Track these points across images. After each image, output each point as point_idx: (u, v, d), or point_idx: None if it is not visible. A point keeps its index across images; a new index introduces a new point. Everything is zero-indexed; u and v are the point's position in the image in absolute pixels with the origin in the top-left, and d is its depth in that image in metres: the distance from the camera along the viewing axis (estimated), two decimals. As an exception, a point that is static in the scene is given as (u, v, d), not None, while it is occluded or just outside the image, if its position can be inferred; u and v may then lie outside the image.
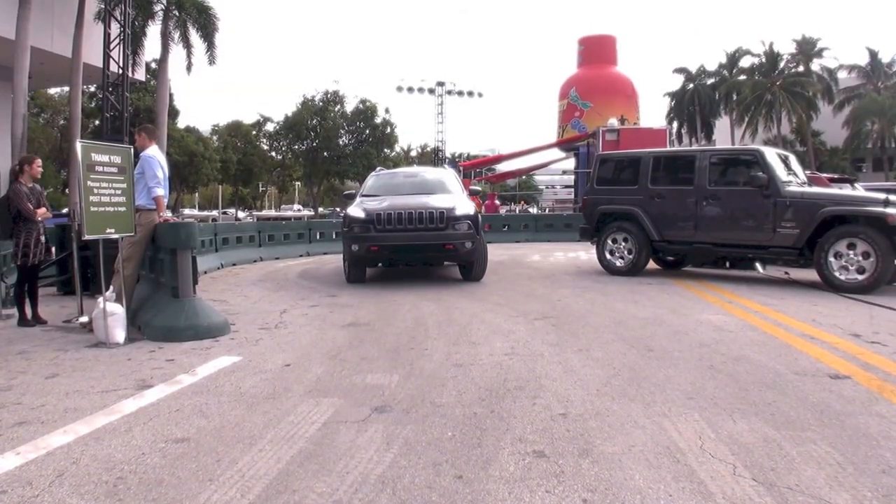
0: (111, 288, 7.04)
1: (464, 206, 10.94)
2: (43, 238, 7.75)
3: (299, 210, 77.16)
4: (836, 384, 4.71)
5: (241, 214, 66.22)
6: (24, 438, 3.74)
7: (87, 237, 6.58)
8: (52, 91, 47.86)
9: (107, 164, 6.66)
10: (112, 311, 6.46)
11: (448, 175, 13.70)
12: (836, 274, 9.42)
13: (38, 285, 8.10)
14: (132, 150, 7.25)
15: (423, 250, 10.60)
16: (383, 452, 3.49)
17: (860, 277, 9.23)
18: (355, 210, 11.04)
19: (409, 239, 10.39)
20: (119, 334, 6.47)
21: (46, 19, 23.74)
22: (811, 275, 10.26)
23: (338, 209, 65.12)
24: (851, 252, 9.32)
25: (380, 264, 11.87)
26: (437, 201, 10.96)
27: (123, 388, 4.82)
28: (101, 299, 6.54)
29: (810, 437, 3.66)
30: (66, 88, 30.91)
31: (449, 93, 56.90)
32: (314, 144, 60.51)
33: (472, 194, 12.97)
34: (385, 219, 10.38)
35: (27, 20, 21.18)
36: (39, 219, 7.61)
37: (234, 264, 15.21)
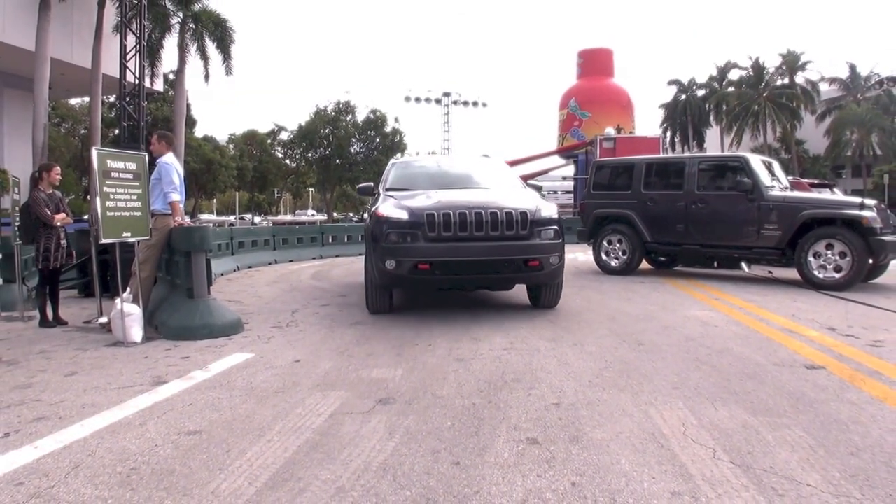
0: (129, 289, 7.08)
1: (547, 205, 7.62)
2: (64, 243, 7.73)
3: (313, 215, 76.89)
4: (811, 374, 4.76)
5: (256, 219, 66.22)
6: (43, 433, 3.76)
7: (103, 241, 6.60)
8: (73, 101, 48.00)
9: (122, 171, 6.67)
10: (129, 312, 6.48)
11: (498, 165, 10.03)
12: (815, 272, 9.55)
13: (60, 288, 8.11)
14: (147, 156, 7.25)
15: (497, 268, 7.09)
16: (385, 441, 3.51)
17: (837, 276, 9.36)
18: (391, 209, 7.29)
19: (479, 252, 6.96)
20: (136, 334, 6.48)
21: (66, 31, 23.85)
22: (792, 273, 10.33)
23: (351, 214, 64.57)
24: (829, 252, 9.45)
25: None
26: (507, 198, 7.49)
27: (139, 384, 4.84)
28: (118, 300, 6.57)
29: (786, 422, 3.70)
30: (87, 98, 31.00)
31: (455, 103, 56.92)
32: (327, 152, 60.57)
33: (532, 190, 8.92)
34: (441, 222, 6.93)
35: (47, 32, 21.24)
36: (58, 224, 7.60)
37: (249, 267, 15.22)
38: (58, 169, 7.90)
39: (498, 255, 7.01)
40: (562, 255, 7.34)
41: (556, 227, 7.31)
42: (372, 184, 9.22)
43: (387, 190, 8.34)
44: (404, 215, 7.09)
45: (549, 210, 7.46)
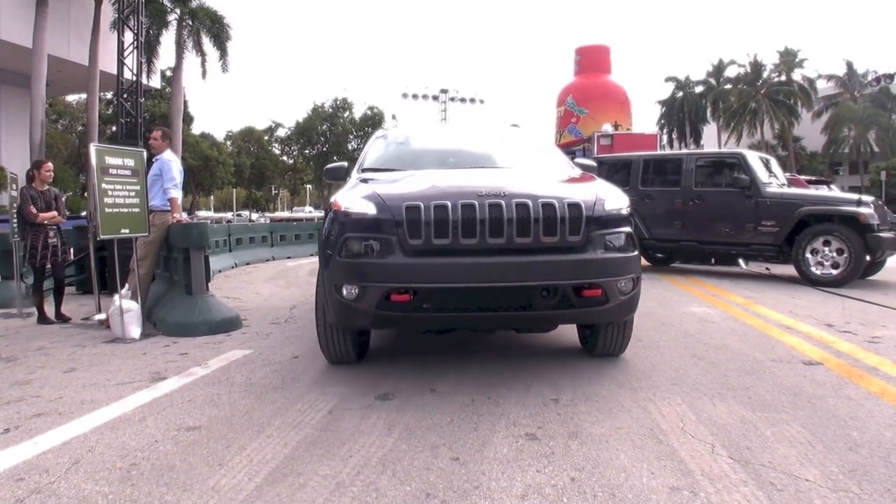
0: (127, 286, 7.07)
1: (612, 193, 4.71)
2: (54, 241, 7.69)
3: (310, 212, 76.82)
4: (809, 370, 4.78)
5: (254, 216, 66.23)
6: (42, 429, 3.75)
7: (102, 237, 6.60)
8: (71, 98, 47.94)
9: (120, 167, 6.65)
10: (128, 308, 6.48)
11: (533, 138, 7.03)
12: (813, 269, 9.60)
13: (61, 285, 8.08)
14: (145, 153, 7.23)
15: (528, 301, 4.28)
16: (385, 437, 3.51)
17: (834, 272, 9.42)
18: (352, 198, 4.59)
19: (495, 273, 4.19)
20: (135, 330, 6.49)
21: (63, 28, 23.80)
22: (790, 270, 10.37)
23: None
24: (826, 249, 9.51)
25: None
26: (544, 183, 4.86)
27: (138, 380, 4.84)
28: (117, 297, 6.56)
29: (784, 418, 3.71)
30: (84, 95, 30.96)
31: (452, 99, 56.75)
32: (324, 149, 60.82)
33: (585, 172, 5.69)
34: (432, 220, 4.22)
35: (44, 29, 21.19)
36: (45, 221, 7.55)
37: (247, 263, 15.22)
38: (49, 166, 7.90)
39: (529, 278, 4.19)
40: (638, 278, 4.52)
41: (628, 229, 4.54)
42: (345, 164, 6.15)
43: (363, 171, 5.63)
44: (370, 209, 4.38)
45: (617, 201, 4.60)
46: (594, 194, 4.54)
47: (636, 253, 4.58)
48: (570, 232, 4.26)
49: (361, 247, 4.30)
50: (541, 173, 5.40)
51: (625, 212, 4.62)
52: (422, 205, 4.24)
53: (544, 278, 4.21)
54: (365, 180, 5.06)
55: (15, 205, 8.42)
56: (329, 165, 6.08)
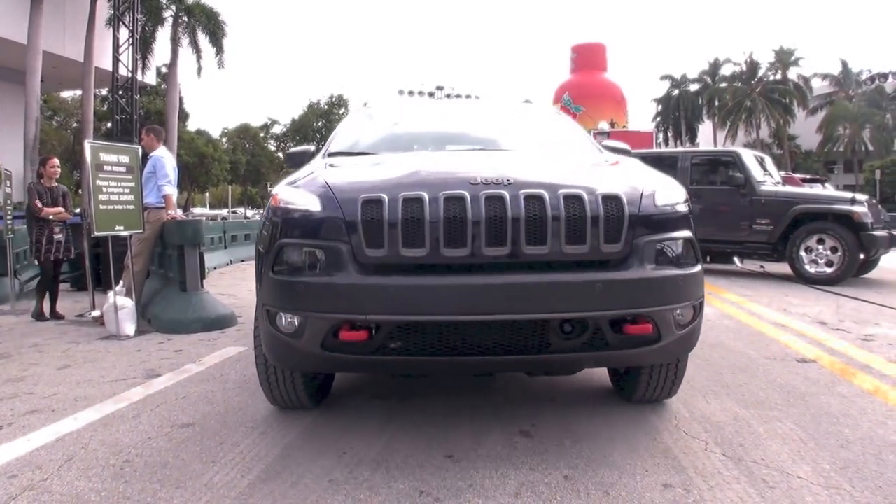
0: (121, 283, 7.06)
1: (663, 184, 3.31)
2: (60, 237, 7.64)
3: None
4: (802, 367, 4.81)
5: (249, 213, 66.16)
6: (35, 426, 3.74)
7: (96, 234, 6.58)
8: (66, 94, 47.78)
9: (115, 164, 6.64)
10: (122, 305, 6.46)
11: (550, 115, 5.64)
12: (807, 267, 9.66)
13: (55, 282, 8.06)
14: (140, 150, 7.22)
15: (543, 339, 2.98)
16: (379, 434, 3.50)
17: (828, 270, 9.49)
18: (296, 192, 3.32)
19: (494, 300, 2.86)
20: (129, 327, 6.47)
21: (58, 24, 23.71)
22: (784, 268, 10.41)
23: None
24: (821, 247, 9.57)
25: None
26: (566, 169, 3.54)
27: (132, 377, 4.83)
28: (111, 294, 6.55)
29: (776, 415, 3.73)
30: (79, 92, 30.87)
31: (448, 96, 56.81)
32: (320, 146, 60.69)
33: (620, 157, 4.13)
34: (400, 220, 2.90)
35: (39, 25, 21.11)
36: (51, 217, 7.53)
37: (242, 260, 15.17)
38: (54, 161, 7.90)
39: (545, 307, 2.92)
40: (701, 304, 3.24)
41: (687, 233, 3.22)
42: (311, 147, 4.89)
43: (329, 156, 4.31)
44: (313, 204, 3.16)
45: (670, 193, 3.29)
46: (638, 183, 3.23)
47: (700, 268, 3.21)
48: (605, 237, 2.96)
49: (302, 258, 3.10)
50: (561, 157, 4.09)
51: (681, 208, 3.27)
52: (385, 198, 2.97)
53: (567, 308, 2.93)
54: (329, 167, 3.79)
55: (10, 202, 8.41)
56: (291, 150, 4.84)
